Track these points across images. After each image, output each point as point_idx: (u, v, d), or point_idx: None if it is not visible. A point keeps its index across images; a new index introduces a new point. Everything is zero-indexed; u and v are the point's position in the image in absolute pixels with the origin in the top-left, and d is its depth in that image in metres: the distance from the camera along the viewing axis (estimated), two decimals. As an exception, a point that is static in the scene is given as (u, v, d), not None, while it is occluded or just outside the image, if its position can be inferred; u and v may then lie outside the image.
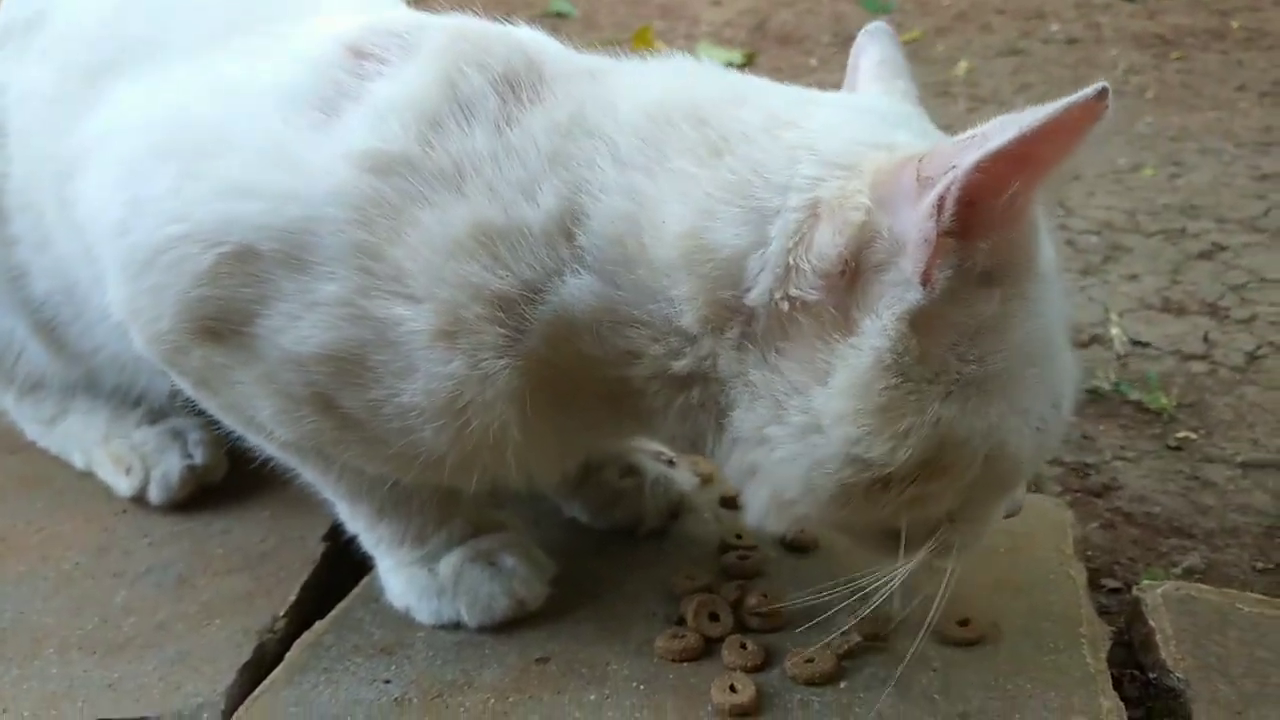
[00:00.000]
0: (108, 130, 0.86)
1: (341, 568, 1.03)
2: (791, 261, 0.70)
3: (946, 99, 2.89)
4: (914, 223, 0.66)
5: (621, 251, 0.74)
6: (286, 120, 0.79)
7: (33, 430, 1.20)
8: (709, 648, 0.90)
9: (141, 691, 0.87)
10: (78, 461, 1.17)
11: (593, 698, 0.85)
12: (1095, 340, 1.60)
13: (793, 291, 0.71)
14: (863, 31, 0.90)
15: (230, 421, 0.89)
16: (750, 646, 0.88)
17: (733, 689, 0.84)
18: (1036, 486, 1.27)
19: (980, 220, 0.66)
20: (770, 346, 0.73)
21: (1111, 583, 1.14)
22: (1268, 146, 2.40)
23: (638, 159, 0.75)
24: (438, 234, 0.74)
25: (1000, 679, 0.87)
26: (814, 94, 0.82)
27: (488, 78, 0.78)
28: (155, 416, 1.15)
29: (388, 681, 0.87)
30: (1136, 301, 1.71)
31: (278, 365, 0.78)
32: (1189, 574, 1.14)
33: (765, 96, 0.79)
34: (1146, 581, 1.03)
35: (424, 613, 0.93)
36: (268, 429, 0.85)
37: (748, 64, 3.30)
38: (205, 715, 0.85)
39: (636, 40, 3.47)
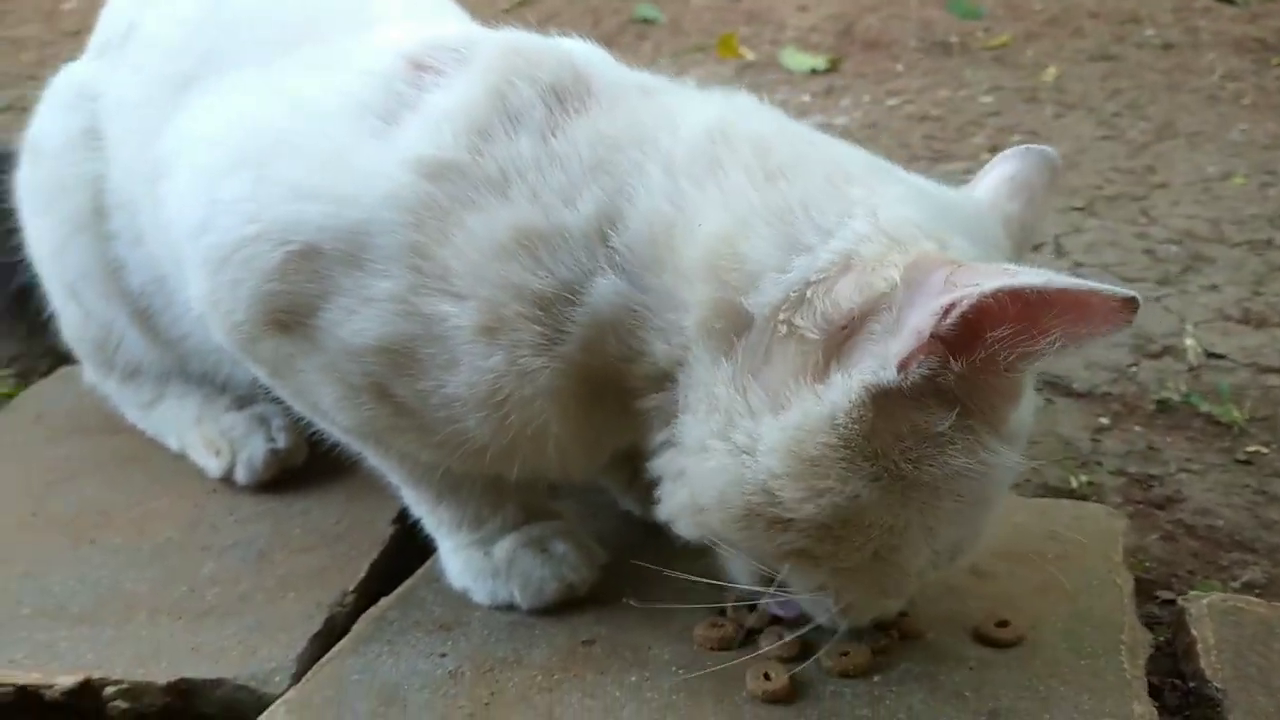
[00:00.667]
0: (190, 137, 0.93)
1: (410, 549, 1.09)
2: (808, 295, 0.74)
3: (1034, 105, 2.86)
4: (920, 314, 0.68)
5: (652, 253, 0.79)
6: (350, 129, 0.85)
7: (132, 414, 1.29)
8: (748, 637, 0.94)
9: (221, 654, 0.94)
10: (172, 444, 1.26)
11: (633, 679, 0.89)
12: (1168, 351, 1.59)
13: (796, 320, 0.74)
14: (1020, 146, 0.91)
15: (299, 407, 0.96)
16: (787, 636, 0.92)
17: (767, 677, 0.88)
18: (1095, 495, 1.28)
19: (972, 344, 0.69)
20: (747, 369, 0.76)
21: (1166, 594, 1.14)
22: (1369, 156, 2.33)
23: (691, 170, 0.79)
24: (483, 236, 0.79)
25: (1034, 680, 0.89)
26: (887, 164, 0.85)
27: (536, 89, 0.83)
28: (242, 402, 1.23)
29: (444, 655, 0.93)
30: (1214, 313, 1.69)
31: (338, 355, 0.85)
32: (1248, 588, 1.14)
33: (836, 149, 0.84)
34: (1195, 593, 1.04)
35: (480, 593, 0.98)
36: (330, 414, 0.91)
37: (832, 69, 3.31)
38: (277, 678, 0.92)
39: (721, 47, 3.50)
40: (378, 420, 0.89)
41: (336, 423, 0.93)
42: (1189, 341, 1.59)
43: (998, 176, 0.90)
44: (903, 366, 0.70)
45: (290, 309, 0.85)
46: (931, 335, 0.68)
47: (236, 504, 1.17)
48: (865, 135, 2.69)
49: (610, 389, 0.85)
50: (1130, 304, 0.65)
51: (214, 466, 1.19)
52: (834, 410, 0.72)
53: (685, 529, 0.84)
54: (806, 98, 3.04)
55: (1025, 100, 2.89)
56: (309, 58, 0.93)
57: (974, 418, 0.73)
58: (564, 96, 0.84)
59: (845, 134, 2.69)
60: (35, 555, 1.08)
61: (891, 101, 2.95)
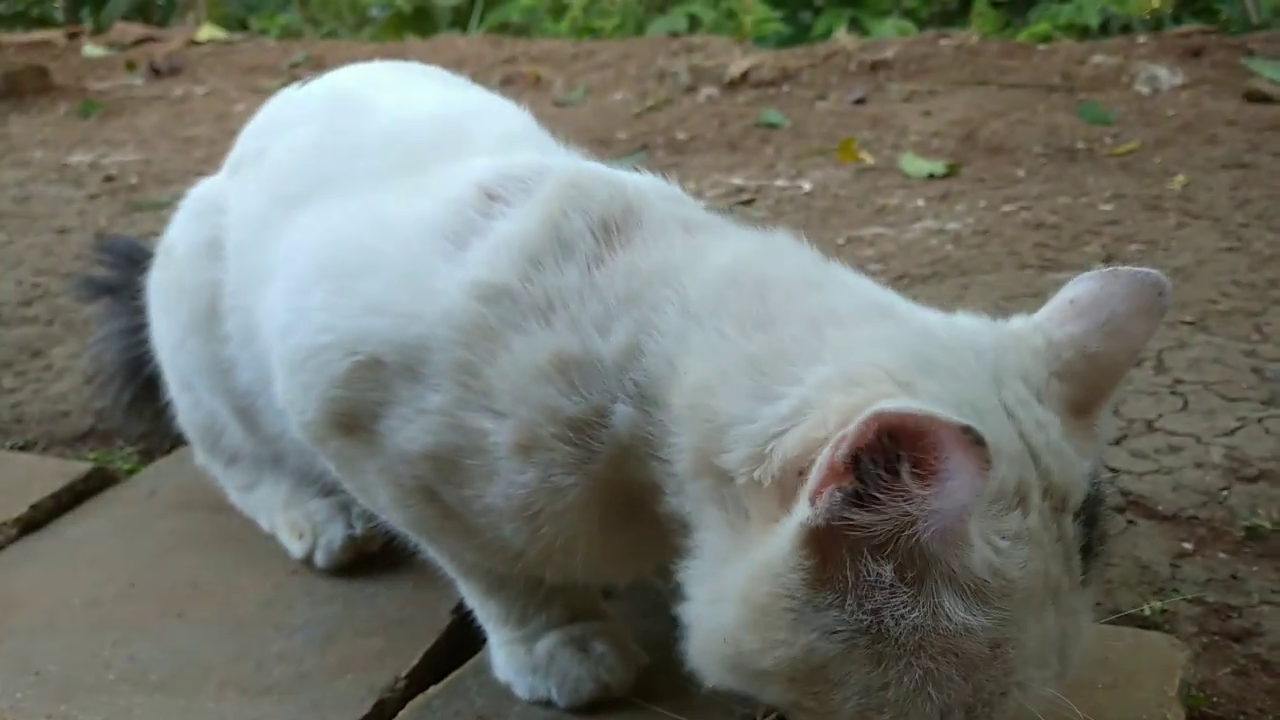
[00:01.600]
0: (289, 248, 1.03)
1: (466, 638, 1.14)
2: (766, 448, 0.74)
3: (1156, 213, 2.80)
4: (828, 449, 0.68)
5: (656, 390, 0.83)
6: (423, 251, 0.93)
7: (233, 495, 1.40)
8: (775, 746, 0.95)
9: (277, 731, 1.01)
10: (264, 524, 1.36)
11: (656, 778, 0.92)
12: (1264, 476, 1.53)
13: (756, 474, 0.75)
14: (1109, 269, 0.85)
15: (362, 500, 1.04)
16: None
17: (787, 789, 0.88)
18: (1168, 624, 1.24)
19: (872, 479, 0.67)
20: (731, 517, 0.77)
21: (1232, 733, 1.10)
22: None
23: (700, 311, 0.83)
24: (525, 359, 0.85)
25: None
26: (902, 306, 0.84)
27: (586, 221, 0.89)
28: (329, 490, 1.32)
29: (478, 745, 0.97)
30: (1321, 437, 1.62)
31: (393, 459, 0.92)
32: (1321, 734, 1.08)
33: (840, 291, 0.83)
34: None
35: (521, 687, 1.03)
36: (386, 510, 0.98)
37: (950, 174, 3.32)
38: (324, 756, 0.98)
39: (840, 151, 3.56)
40: (427, 520, 0.95)
41: (392, 518, 1.00)
42: (1289, 466, 1.53)
43: (1059, 300, 0.86)
44: (814, 498, 0.68)
45: (353, 414, 0.93)
46: (831, 465, 0.67)
47: (313, 586, 1.25)
48: (976, 242, 2.69)
49: (642, 511, 0.88)
50: (967, 434, 0.63)
51: (297, 549, 1.28)
52: (774, 556, 0.71)
53: (706, 678, 0.82)
54: (921, 202, 3.06)
55: (1147, 209, 2.84)
56: (405, 185, 1.01)
57: (918, 569, 0.70)
58: (611, 229, 0.89)
59: (956, 240, 2.70)
60: (128, 624, 1.18)
61: (1007, 208, 2.94)
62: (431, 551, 1.05)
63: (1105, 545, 0.84)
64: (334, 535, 1.27)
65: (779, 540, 0.72)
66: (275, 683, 1.07)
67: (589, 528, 0.88)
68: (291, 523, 1.30)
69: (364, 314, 0.92)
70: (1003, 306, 2.23)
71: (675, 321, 0.84)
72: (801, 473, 0.72)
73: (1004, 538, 0.72)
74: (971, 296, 2.31)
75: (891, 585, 0.70)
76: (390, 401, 0.91)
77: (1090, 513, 0.80)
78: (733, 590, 0.75)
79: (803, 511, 0.69)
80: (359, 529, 1.27)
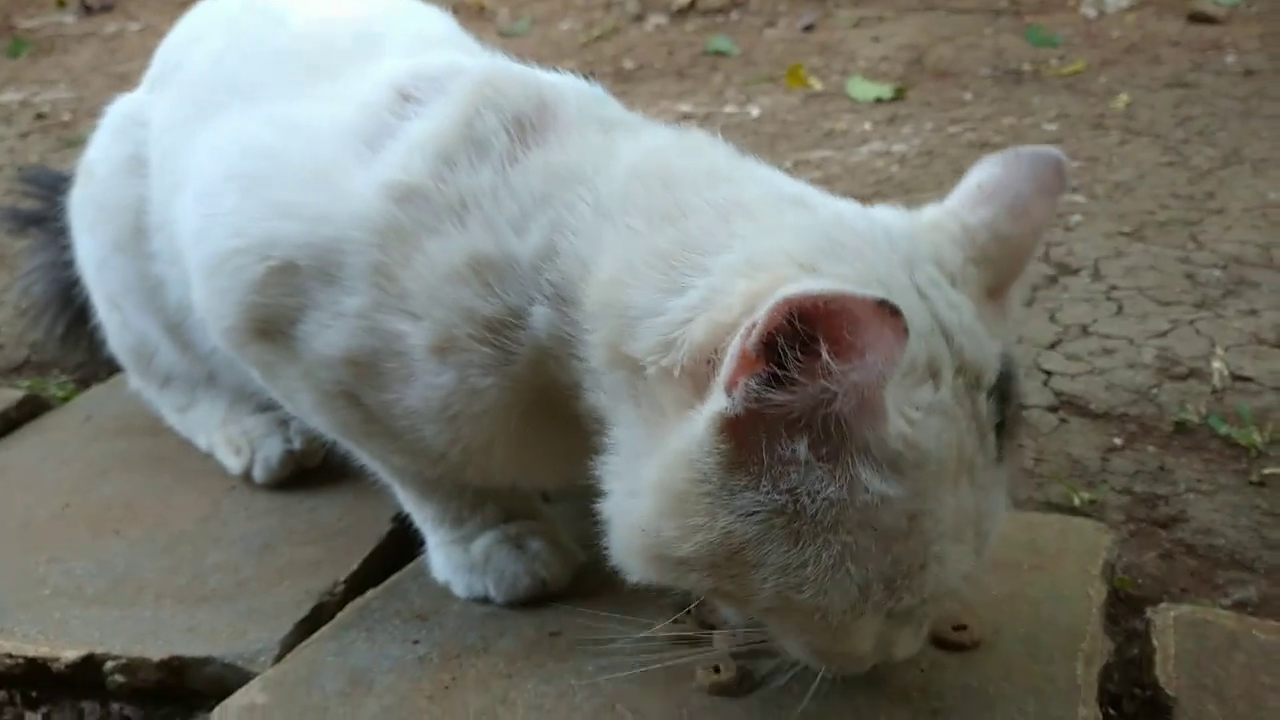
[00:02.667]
0: (201, 155, 1.01)
1: (406, 546, 1.14)
2: (673, 336, 0.74)
3: (1099, 131, 2.82)
4: (738, 336, 0.68)
5: (571, 290, 0.82)
6: (335, 153, 0.91)
7: (170, 416, 1.38)
8: (708, 634, 0.96)
9: (213, 636, 1.01)
10: (201, 443, 1.35)
11: (590, 668, 0.93)
12: (1193, 374, 1.56)
13: (664, 362, 0.74)
14: (1010, 151, 0.86)
15: (289, 407, 1.03)
16: (740, 635, 0.94)
17: (716, 670, 0.90)
18: (1096, 513, 1.27)
19: (782, 359, 0.67)
20: (643, 410, 0.77)
21: (1150, 612, 1.13)
22: None
23: (610, 207, 0.82)
24: (440, 261, 0.84)
25: (983, 683, 0.90)
26: (815, 197, 0.83)
27: (500, 119, 0.88)
28: (265, 406, 1.31)
29: (416, 642, 0.98)
30: (1249, 337, 1.65)
31: (312, 364, 0.91)
32: (1240, 606, 1.11)
33: (750, 184, 0.82)
34: (1165, 605, 1.03)
35: (459, 586, 1.03)
36: (311, 416, 0.97)
37: (898, 98, 3.31)
38: (262, 658, 0.98)
39: (789, 77, 3.54)
40: (351, 424, 0.95)
41: (317, 423, 1.00)
42: (1216, 364, 1.56)
43: (972, 183, 0.86)
44: (729, 389, 0.68)
45: (270, 319, 0.92)
46: (743, 354, 0.67)
47: (251, 501, 1.25)
48: (920, 162, 2.70)
49: (563, 412, 0.88)
50: (881, 307, 0.63)
51: (234, 464, 1.27)
52: (690, 444, 0.71)
53: (630, 574, 0.82)
54: (868, 126, 3.06)
55: (1091, 127, 2.86)
56: (318, 89, 1.00)
57: (833, 444, 0.70)
58: (526, 126, 0.87)
59: (902, 162, 2.71)
60: (62, 543, 1.17)
61: (953, 129, 2.95)
62: (362, 456, 1.05)
63: (1019, 424, 0.85)
64: (272, 450, 1.26)
65: (693, 428, 0.71)
66: (212, 592, 1.07)
67: (507, 429, 0.88)
68: (229, 439, 1.29)
69: (276, 217, 0.90)
70: (945, 222, 2.23)
71: (589, 220, 0.83)
72: (709, 361, 0.72)
73: (917, 409, 0.73)
74: (915, 213, 2.31)
75: (806, 462, 0.70)
76: (307, 306, 0.90)
77: (1003, 391, 0.80)
78: (649, 481, 0.74)
79: (719, 401, 0.69)
80: (297, 444, 1.26)
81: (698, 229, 0.78)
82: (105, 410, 1.48)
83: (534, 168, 0.86)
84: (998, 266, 0.84)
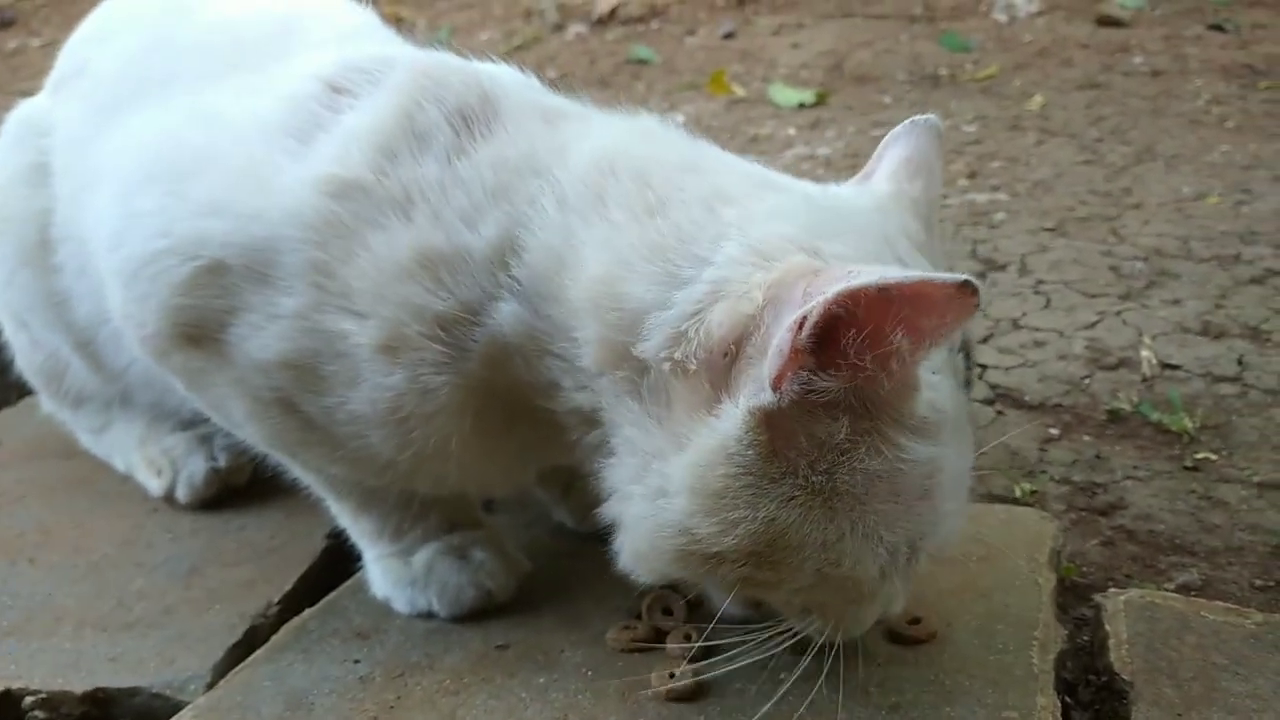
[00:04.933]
0: (112, 153, 0.96)
1: (342, 564, 1.10)
2: (684, 329, 0.73)
3: (1016, 132, 2.88)
4: (780, 332, 0.67)
5: (546, 286, 0.79)
6: (264, 148, 0.87)
7: (84, 438, 1.32)
8: (659, 639, 0.94)
9: (139, 665, 0.95)
10: (119, 465, 1.28)
11: (541, 681, 0.90)
12: (1123, 364, 1.58)
13: (677, 355, 0.73)
14: (907, 121, 0.90)
15: (217, 419, 0.98)
16: (695, 637, 0.92)
17: (672, 676, 0.88)
18: (1038, 503, 1.27)
19: (835, 350, 0.67)
20: (651, 407, 0.76)
21: (1100, 597, 1.13)
22: (1345, 173, 2.32)
23: (578, 204, 0.80)
24: (385, 256, 0.81)
25: (940, 675, 0.89)
26: (778, 178, 0.84)
27: (442, 112, 0.85)
28: (186, 425, 1.25)
29: (357, 661, 0.94)
30: (1174, 325, 1.68)
31: (245, 370, 0.87)
32: (1183, 590, 1.12)
33: (718, 170, 0.82)
34: (1113, 590, 1.03)
35: (400, 601, 0.99)
36: (243, 427, 0.93)
37: (819, 103, 3.34)
38: (192, 686, 0.93)
39: (711, 84, 3.55)
40: (287, 434, 0.91)
41: (249, 434, 0.95)
42: (1145, 353, 1.59)
43: (894, 160, 0.88)
44: (776, 386, 0.68)
45: (199, 323, 0.87)
46: (793, 350, 0.67)
47: (174, 522, 1.19)
48: (846, 164, 2.71)
49: (526, 413, 0.85)
50: (965, 288, 0.64)
51: (155, 486, 1.22)
52: (726, 440, 0.71)
53: (645, 576, 0.82)
54: (791, 130, 3.08)
55: (1008, 129, 2.91)
56: (240, 83, 0.95)
57: (872, 419, 0.72)
58: (470, 119, 0.85)
59: (827, 164, 2.72)
60: (-27, 573, 1.10)
61: (876, 132, 2.98)
62: (295, 469, 1.00)
63: (971, 379, 0.89)
64: (195, 469, 1.21)
65: (728, 423, 0.71)
66: (137, 619, 1.02)
67: (462, 431, 0.84)
68: (148, 459, 1.23)
69: (202, 215, 0.86)
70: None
71: (553, 215, 0.80)
72: (726, 353, 0.71)
73: (934, 373, 0.75)
74: (843, 215, 2.32)
75: (846, 440, 0.71)
76: (238, 308, 0.85)
77: (965, 347, 0.84)
78: (681, 481, 0.73)
79: (761, 395, 0.69)
80: (222, 461, 1.21)
81: (686, 220, 0.77)
82: (16, 434, 1.41)
83: (483, 161, 0.83)
84: (930, 234, 0.87)
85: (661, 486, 0.74)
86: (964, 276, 0.64)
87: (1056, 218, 2.19)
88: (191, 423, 1.25)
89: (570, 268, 0.79)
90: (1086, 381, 1.54)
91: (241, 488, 1.23)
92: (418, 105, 0.85)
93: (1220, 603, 0.99)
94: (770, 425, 0.70)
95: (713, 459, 0.71)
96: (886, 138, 0.91)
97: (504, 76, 0.92)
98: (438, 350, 0.81)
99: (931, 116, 0.90)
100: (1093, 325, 1.70)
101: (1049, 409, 1.49)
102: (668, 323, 0.74)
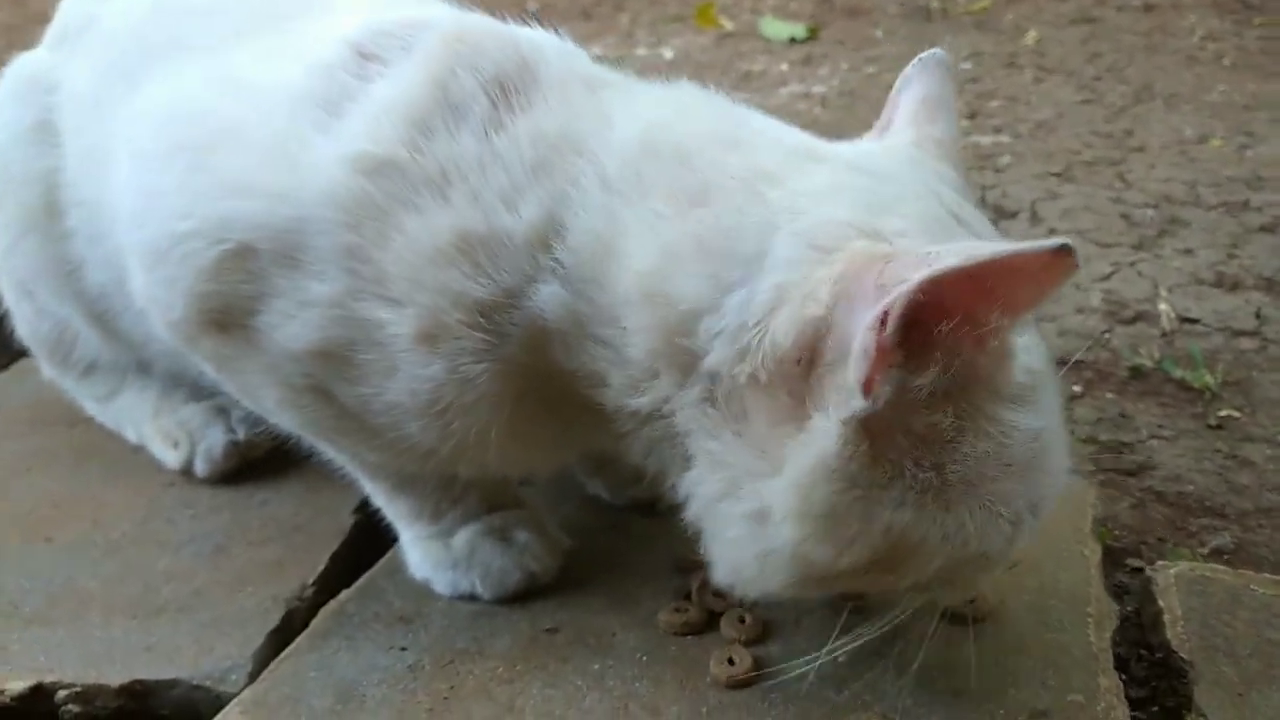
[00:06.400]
0: (132, 123, 0.90)
1: (372, 539, 1.07)
2: (747, 342, 0.69)
3: (1013, 70, 2.84)
4: (861, 332, 0.63)
5: (591, 271, 0.75)
6: (291, 120, 0.81)
7: (90, 406, 1.27)
8: (712, 621, 0.92)
9: (176, 654, 0.92)
10: (130, 435, 1.24)
11: (596, 667, 0.88)
12: (1141, 317, 1.57)
13: (747, 368, 0.70)
14: (915, 60, 0.86)
15: (246, 403, 0.94)
16: (748, 620, 0.91)
17: (731, 661, 0.86)
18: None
19: (926, 340, 0.64)
20: (730, 419, 0.72)
21: (1135, 562, 1.13)
22: (1346, 115, 2.31)
23: (622, 186, 0.76)
24: (422, 240, 0.76)
25: (1001, 656, 0.88)
26: (816, 146, 0.79)
27: (479, 80, 0.79)
28: (202, 394, 1.21)
29: (404, 649, 0.91)
30: (1189, 277, 1.67)
31: (277, 358, 0.82)
32: (1217, 554, 1.13)
33: (759, 144, 0.77)
34: (1162, 563, 1.03)
35: (441, 584, 0.97)
36: (275, 414, 0.89)
37: (811, 37, 3.28)
38: (234, 677, 0.90)
39: (699, 17, 3.46)
40: (322, 422, 0.87)
41: (281, 421, 0.91)
42: (1163, 306, 1.58)
43: (911, 103, 0.84)
44: (866, 391, 0.64)
45: (226, 309, 0.83)
46: (879, 350, 0.63)
47: (194, 497, 1.15)
48: (842, 104, 2.67)
49: (568, 400, 0.82)
50: (1063, 253, 0.59)
51: (172, 459, 1.17)
52: (823, 457, 0.67)
53: (746, 594, 0.78)
54: (784, 66, 3.01)
55: (1004, 66, 2.87)
56: (260, 45, 0.89)
57: (970, 399, 0.68)
58: (508, 89, 0.80)
59: (823, 103, 2.67)
60: (-12, 554, 1.06)
61: (869, 69, 2.93)
62: (329, 453, 0.97)
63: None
64: (214, 441, 1.16)
65: (821, 440, 0.67)
66: (167, 602, 0.98)
67: (502, 417, 0.81)
68: (164, 431, 1.19)
69: (228, 195, 0.81)
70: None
71: (597, 196, 0.76)
72: (799, 360, 0.67)
73: (1022, 335, 0.71)
74: (845, 158, 2.28)
75: (947, 430, 0.67)
76: (268, 294, 0.81)
77: None
78: (781, 508, 0.69)
79: (853, 403, 0.65)
80: (241, 433, 1.17)
81: (731, 209, 0.73)
82: (12, 401, 1.36)
83: (522, 134, 0.78)
84: (959, 168, 0.84)
85: (760, 510, 0.71)
86: (1060, 241, 0.59)
87: (1062, 161, 2.16)
88: (209, 392, 1.21)
89: (616, 255, 0.75)
90: (1107, 336, 1.53)
91: (260, 459, 1.19)
92: (452, 74, 0.80)
93: (1269, 575, 0.99)
94: (868, 432, 0.66)
95: (813, 479, 0.67)
96: (898, 81, 0.87)
97: (543, 42, 0.86)
98: (479, 338, 0.77)
99: (938, 50, 0.86)
100: (1108, 277, 1.69)
101: (1071, 366, 1.48)
102: (729, 332, 0.70)
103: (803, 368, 0.68)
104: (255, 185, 0.80)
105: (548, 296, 0.77)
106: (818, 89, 2.79)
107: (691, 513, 0.78)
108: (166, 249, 0.83)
